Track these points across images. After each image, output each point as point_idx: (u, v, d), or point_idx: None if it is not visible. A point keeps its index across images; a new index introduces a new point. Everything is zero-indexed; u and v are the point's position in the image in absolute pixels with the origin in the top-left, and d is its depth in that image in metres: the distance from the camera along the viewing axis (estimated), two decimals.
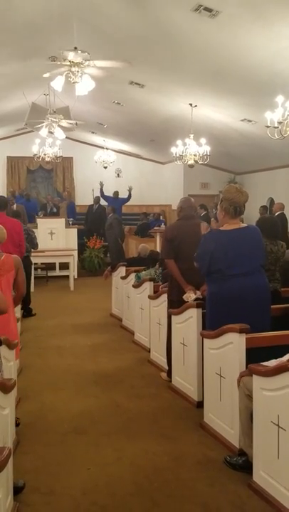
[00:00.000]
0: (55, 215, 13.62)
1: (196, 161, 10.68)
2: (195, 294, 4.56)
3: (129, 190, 14.42)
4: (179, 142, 10.58)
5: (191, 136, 10.46)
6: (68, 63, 6.18)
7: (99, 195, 14.57)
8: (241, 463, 3.33)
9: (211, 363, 3.87)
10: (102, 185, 14.22)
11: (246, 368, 3.37)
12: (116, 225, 12.74)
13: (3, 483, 2.28)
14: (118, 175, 17.16)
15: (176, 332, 4.76)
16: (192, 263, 4.22)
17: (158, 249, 12.74)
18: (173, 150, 10.67)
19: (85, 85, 6.33)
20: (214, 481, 3.24)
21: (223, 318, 3.75)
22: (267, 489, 3.00)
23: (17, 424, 3.86)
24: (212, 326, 3.90)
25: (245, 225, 4.03)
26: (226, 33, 6.59)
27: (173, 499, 3.07)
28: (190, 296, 4.55)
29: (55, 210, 13.93)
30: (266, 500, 2.98)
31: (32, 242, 8.31)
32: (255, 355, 3.38)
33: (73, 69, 6.12)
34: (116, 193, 14.75)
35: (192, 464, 3.46)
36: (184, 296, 4.60)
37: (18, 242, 6.66)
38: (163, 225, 15.47)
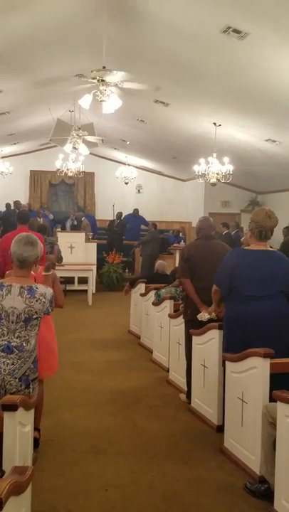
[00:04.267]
0: (75, 228, 13.70)
1: (218, 180, 10.69)
2: (210, 314, 4.51)
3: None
4: (201, 160, 10.60)
5: (214, 154, 10.48)
6: (96, 82, 6.25)
7: (120, 211, 14.66)
8: (263, 490, 3.25)
9: (233, 386, 3.81)
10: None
11: (269, 393, 3.32)
12: (155, 241, 12.85)
13: (24, 503, 2.25)
14: (139, 191, 17.25)
15: (197, 353, 4.71)
16: (208, 283, 4.20)
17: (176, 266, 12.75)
18: (195, 168, 10.70)
19: (111, 104, 6.40)
20: (234, 508, 3.17)
21: (239, 340, 3.72)
22: None
23: (36, 442, 3.83)
24: (228, 347, 3.87)
25: (272, 249, 3.98)
26: (253, 55, 6.63)
27: None
28: (204, 315, 4.51)
29: (75, 223, 14.00)
30: None
31: (56, 256, 8.31)
32: (279, 381, 3.32)
33: (101, 88, 6.19)
34: (136, 211, 14.90)
35: (212, 490, 3.40)
36: (198, 316, 4.56)
37: (40, 257, 6.69)
38: (182, 242, 15.48)
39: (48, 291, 3.04)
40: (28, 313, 2.92)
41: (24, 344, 2.94)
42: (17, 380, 2.93)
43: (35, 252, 3.05)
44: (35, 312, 2.94)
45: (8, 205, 14.66)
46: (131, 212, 15.48)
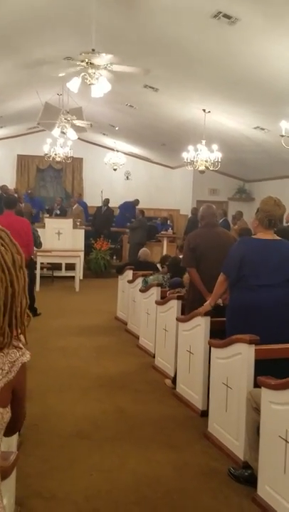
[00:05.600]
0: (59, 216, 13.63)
1: (206, 167, 10.65)
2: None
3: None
4: (190, 147, 10.55)
5: (203, 142, 10.43)
6: (85, 64, 6.16)
7: (108, 197, 14.61)
8: (246, 476, 3.29)
9: (218, 372, 3.84)
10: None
11: (254, 379, 3.34)
12: (143, 228, 12.85)
13: (9, 488, 2.25)
14: (127, 177, 17.17)
15: (183, 339, 4.74)
16: (214, 271, 4.18)
17: (164, 253, 12.77)
18: (184, 155, 10.65)
19: (101, 88, 6.31)
20: (218, 493, 3.21)
21: (243, 327, 3.70)
22: (271, 504, 2.96)
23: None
24: (231, 334, 3.85)
25: (279, 238, 3.98)
26: (244, 41, 6.57)
27: (176, 510, 3.04)
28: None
29: (58, 212, 13.91)
30: None
31: (35, 241, 8.28)
32: (264, 367, 3.34)
33: (90, 71, 6.10)
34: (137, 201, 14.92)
35: (196, 475, 3.43)
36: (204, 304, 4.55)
37: (26, 242, 6.65)
38: (170, 230, 15.48)
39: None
40: None
41: None
42: None
43: None
44: None
45: None
46: (122, 199, 15.47)
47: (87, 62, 6.03)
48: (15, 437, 3.04)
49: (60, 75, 6.99)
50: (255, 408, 3.25)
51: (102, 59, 5.97)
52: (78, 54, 6.30)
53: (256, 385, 3.25)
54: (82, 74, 6.26)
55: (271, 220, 3.83)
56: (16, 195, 12.36)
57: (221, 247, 4.58)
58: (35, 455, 3.59)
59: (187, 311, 4.98)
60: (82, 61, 6.14)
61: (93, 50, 6.16)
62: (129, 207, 15.08)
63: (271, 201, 3.87)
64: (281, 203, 3.88)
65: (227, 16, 5.91)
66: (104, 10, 6.39)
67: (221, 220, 12.92)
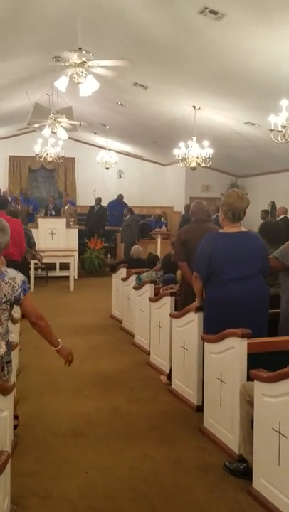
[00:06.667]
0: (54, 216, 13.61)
1: (198, 164, 10.66)
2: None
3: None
4: (181, 144, 10.55)
5: (194, 138, 10.44)
6: (73, 64, 6.15)
7: (100, 196, 14.59)
8: (242, 469, 3.30)
9: (212, 367, 3.84)
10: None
11: (247, 373, 3.35)
12: (134, 226, 12.79)
13: (3, 487, 2.25)
14: (120, 176, 17.16)
15: (177, 335, 4.74)
16: None
17: (158, 252, 12.78)
18: (175, 152, 10.64)
19: (89, 86, 6.31)
20: (213, 487, 3.21)
21: (220, 322, 3.74)
22: (267, 496, 2.97)
23: (15, 427, 3.83)
24: (209, 329, 3.91)
25: (245, 230, 4.01)
26: (230, 36, 6.58)
27: (171, 505, 3.04)
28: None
29: (53, 212, 13.89)
30: (266, 508, 2.95)
31: (29, 242, 8.25)
32: (256, 361, 3.35)
33: (78, 69, 6.10)
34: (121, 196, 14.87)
35: (191, 469, 3.43)
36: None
37: (18, 242, 6.63)
38: (164, 227, 15.48)
39: (19, 276, 3.00)
40: None
41: None
42: None
43: (5, 238, 3.04)
44: (4, 295, 2.90)
45: None
46: (114, 198, 15.44)
47: (73, 62, 6.01)
48: (8, 437, 3.04)
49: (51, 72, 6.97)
50: (248, 401, 3.26)
51: (88, 56, 5.95)
52: (65, 53, 6.28)
53: (249, 378, 3.26)
54: (70, 73, 6.25)
55: (235, 212, 3.85)
56: (9, 197, 12.34)
57: None
58: (30, 454, 3.59)
59: (180, 306, 4.99)
60: (68, 60, 6.12)
61: (80, 48, 6.16)
62: (115, 204, 15.08)
63: (234, 194, 3.91)
64: (244, 196, 3.91)
65: (213, 12, 5.93)
66: (90, 8, 6.38)
67: (214, 216, 12.95)
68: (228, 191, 4.03)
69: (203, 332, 4.04)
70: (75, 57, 6.10)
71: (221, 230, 4.04)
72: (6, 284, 2.91)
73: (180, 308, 5.00)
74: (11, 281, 2.93)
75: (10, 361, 3.08)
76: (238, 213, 3.86)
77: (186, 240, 4.92)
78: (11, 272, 2.97)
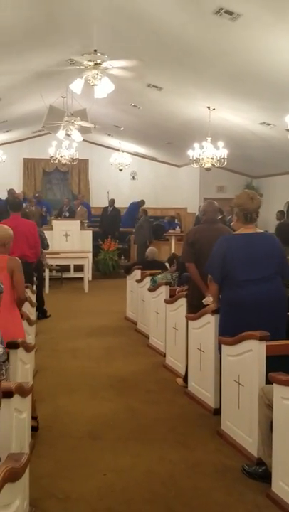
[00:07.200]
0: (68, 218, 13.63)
1: (213, 165, 10.62)
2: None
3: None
4: (196, 145, 10.52)
5: (209, 139, 10.40)
6: (88, 66, 6.17)
7: (113, 198, 14.59)
8: (260, 472, 3.27)
9: (230, 370, 3.82)
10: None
11: (266, 376, 3.32)
12: (146, 227, 12.76)
13: (20, 489, 2.25)
14: (133, 177, 17.17)
15: (193, 337, 4.71)
16: None
17: (172, 252, 12.74)
18: (190, 153, 10.61)
19: (104, 88, 6.32)
20: (232, 490, 3.19)
21: (236, 324, 3.71)
22: (286, 499, 2.94)
23: (36, 429, 3.83)
24: (224, 332, 3.87)
25: (260, 231, 3.97)
26: (246, 36, 6.54)
27: (189, 508, 3.02)
28: (209, 299, 4.50)
29: (68, 214, 13.93)
30: (285, 511, 2.92)
31: (42, 243, 8.29)
32: (274, 363, 3.32)
33: (93, 72, 6.11)
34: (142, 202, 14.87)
35: (209, 473, 3.41)
36: (204, 300, 4.56)
37: (33, 244, 6.67)
38: (178, 228, 15.45)
39: None
40: None
41: None
42: None
43: None
44: None
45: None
46: (131, 200, 15.43)
47: (89, 65, 6.02)
48: (27, 439, 3.05)
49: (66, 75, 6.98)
50: (267, 405, 3.22)
51: (102, 58, 5.96)
52: (80, 55, 6.30)
53: (268, 381, 3.23)
54: (85, 75, 6.27)
55: (246, 214, 3.82)
56: (23, 198, 12.35)
57: None
58: (48, 456, 3.60)
59: (187, 307, 4.98)
60: (84, 62, 6.14)
61: (95, 50, 6.17)
62: (135, 208, 15.06)
63: (244, 195, 3.87)
64: (255, 196, 3.87)
65: (229, 12, 5.89)
66: (104, 10, 6.39)
67: (229, 217, 12.88)
68: (240, 193, 4.00)
69: (219, 334, 4.01)
70: (86, 61, 6.11)
71: (235, 232, 4.00)
72: None
73: (187, 309, 4.99)
74: None
75: (6, 360, 3.06)
76: (250, 214, 3.82)
77: (194, 241, 4.89)
78: None
